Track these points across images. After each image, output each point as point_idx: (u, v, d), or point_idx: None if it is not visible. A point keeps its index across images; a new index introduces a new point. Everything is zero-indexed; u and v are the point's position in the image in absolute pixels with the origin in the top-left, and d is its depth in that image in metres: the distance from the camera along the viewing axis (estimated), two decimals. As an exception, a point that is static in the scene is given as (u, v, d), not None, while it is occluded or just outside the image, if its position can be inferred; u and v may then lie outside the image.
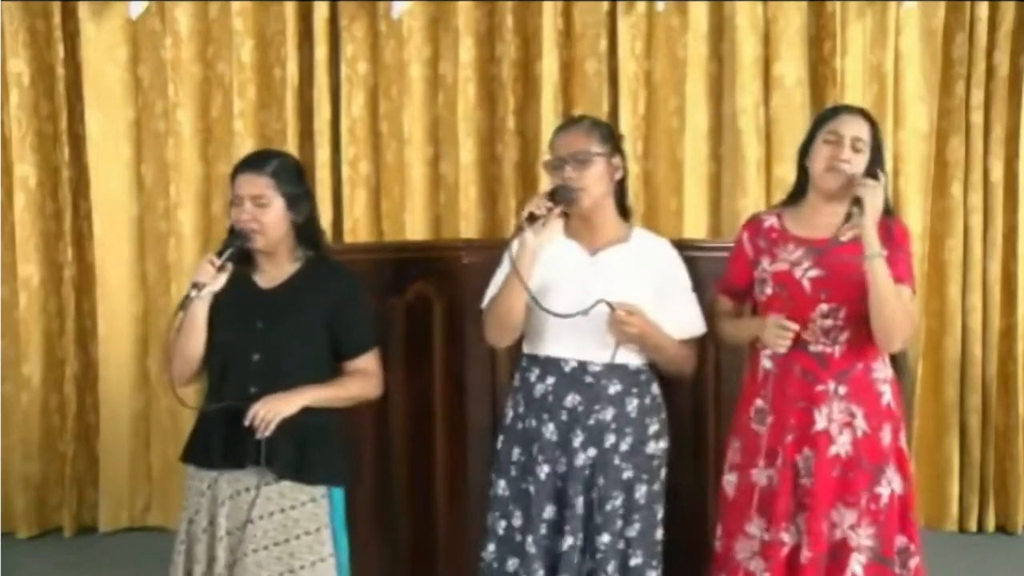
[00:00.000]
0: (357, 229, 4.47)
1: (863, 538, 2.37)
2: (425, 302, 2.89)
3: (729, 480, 2.49)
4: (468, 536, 2.69)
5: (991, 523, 4.37)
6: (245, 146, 4.41)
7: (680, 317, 2.44)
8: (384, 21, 4.44)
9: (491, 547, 2.43)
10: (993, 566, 4.00)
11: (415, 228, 4.40)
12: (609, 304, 2.30)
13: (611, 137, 2.46)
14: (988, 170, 4.38)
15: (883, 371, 2.45)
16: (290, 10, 4.39)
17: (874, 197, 2.32)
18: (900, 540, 2.42)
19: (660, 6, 4.34)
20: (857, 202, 2.31)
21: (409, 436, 2.95)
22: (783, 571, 2.37)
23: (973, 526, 4.38)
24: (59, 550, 4.30)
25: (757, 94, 4.33)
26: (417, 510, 2.94)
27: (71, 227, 4.49)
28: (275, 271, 2.42)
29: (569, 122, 2.54)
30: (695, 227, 4.34)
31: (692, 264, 2.58)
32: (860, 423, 2.40)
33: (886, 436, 2.42)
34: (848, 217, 2.33)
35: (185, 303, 2.32)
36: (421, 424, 2.92)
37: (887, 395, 2.45)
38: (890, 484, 2.41)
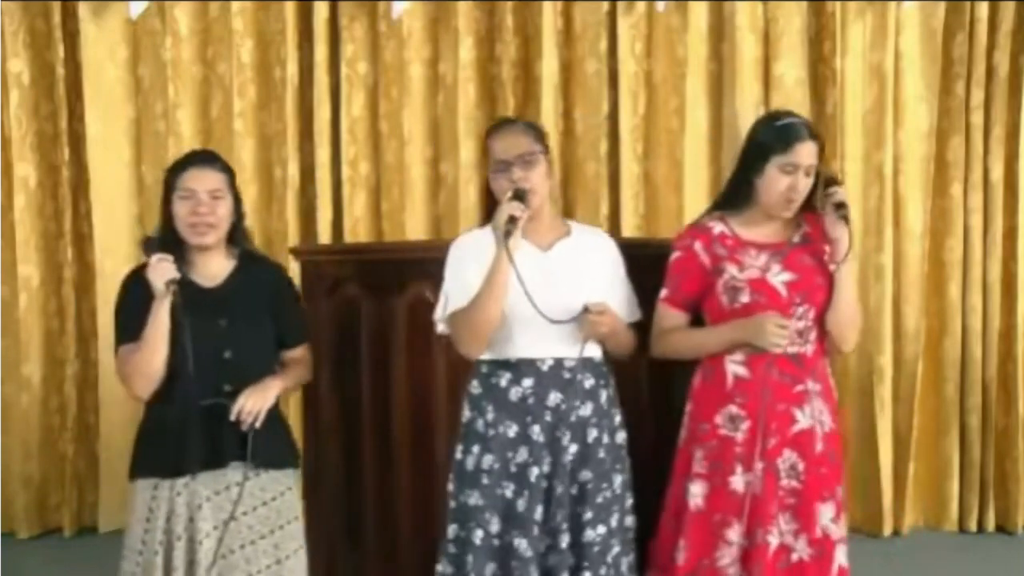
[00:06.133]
0: (357, 229, 4.46)
1: (841, 529, 2.43)
2: (425, 302, 2.87)
3: (694, 492, 2.45)
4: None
5: (991, 523, 4.37)
6: (245, 146, 4.42)
7: (627, 303, 2.50)
8: (384, 21, 4.44)
9: (469, 559, 2.38)
10: (993, 566, 4.00)
11: (415, 228, 4.39)
12: (584, 306, 2.33)
13: (543, 136, 2.52)
14: (988, 170, 4.38)
15: (828, 365, 2.54)
16: (290, 10, 4.39)
17: (849, 203, 2.41)
18: None
19: (660, 6, 4.34)
20: (840, 207, 2.39)
21: (409, 437, 2.95)
22: (772, 573, 2.38)
23: (973, 526, 4.38)
24: (59, 550, 4.30)
25: (757, 94, 4.33)
26: (417, 510, 2.94)
27: (71, 227, 4.49)
28: (212, 269, 2.43)
29: (503, 124, 2.56)
30: (695, 227, 4.33)
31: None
32: (827, 419, 2.46)
33: (837, 429, 2.52)
34: (832, 218, 2.41)
35: (174, 302, 2.27)
36: (421, 424, 2.91)
37: (834, 389, 2.55)
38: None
